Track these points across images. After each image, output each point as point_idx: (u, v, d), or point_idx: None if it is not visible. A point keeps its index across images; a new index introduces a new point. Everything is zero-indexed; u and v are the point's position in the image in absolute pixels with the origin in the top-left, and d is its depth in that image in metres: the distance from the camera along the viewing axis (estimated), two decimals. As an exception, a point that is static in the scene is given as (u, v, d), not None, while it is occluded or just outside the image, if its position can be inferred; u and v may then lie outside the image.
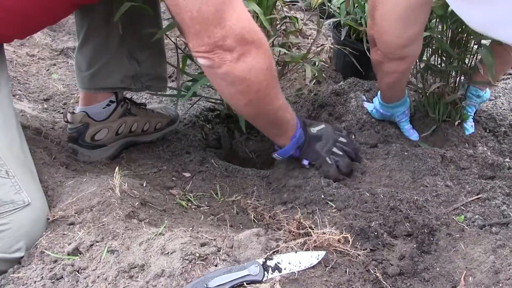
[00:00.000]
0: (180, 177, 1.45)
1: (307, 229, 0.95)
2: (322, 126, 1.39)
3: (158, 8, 1.43)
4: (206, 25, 0.97)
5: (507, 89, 1.90)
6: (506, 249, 0.96)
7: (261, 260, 0.89)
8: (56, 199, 1.10)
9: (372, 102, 1.64)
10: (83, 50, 1.41)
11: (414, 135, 1.55)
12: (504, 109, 1.76)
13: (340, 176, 1.35)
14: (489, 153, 1.41)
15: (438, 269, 0.99)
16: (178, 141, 1.65)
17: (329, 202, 1.27)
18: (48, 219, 1.03)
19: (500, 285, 0.89)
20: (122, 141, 1.54)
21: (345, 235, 0.93)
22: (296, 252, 0.91)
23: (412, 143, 1.53)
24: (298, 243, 0.93)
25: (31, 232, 0.99)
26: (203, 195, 1.38)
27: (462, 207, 1.17)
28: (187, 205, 1.29)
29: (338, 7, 1.90)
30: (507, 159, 1.39)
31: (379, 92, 1.56)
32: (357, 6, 1.80)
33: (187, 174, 1.46)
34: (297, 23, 1.71)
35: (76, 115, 1.41)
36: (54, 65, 2.25)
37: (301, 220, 0.96)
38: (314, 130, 1.36)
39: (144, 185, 1.27)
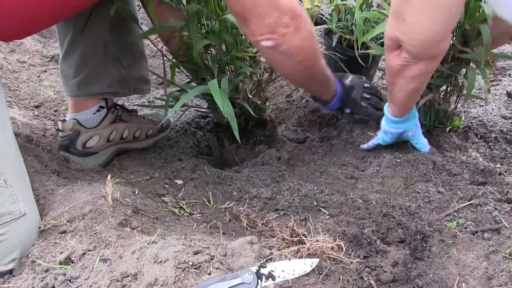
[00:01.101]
0: (172, 184, 1.44)
1: (301, 237, 0.95)
2: (350, 77, 1.60)
3: (136, 14, 1.46)
4: (266, 7, 1.13)
5: (496, 95, 1.92)
6: (498, 255, 0.97)
7: (254, 268, 0.89)
8: (48, 208, 1.09)
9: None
10: (68, 58, 1.42)
11: (428, 148, 1.48)
12: (494, 115, 1.78)
13: (376, 112, 1.57)
14: (480, 159, 1.42)
15: (431, 275, 0.99)
16: (170, 148, 1.64)
17: (322, 209, 1.27)
18: (40, 228, 1.02)
19: (493, 291, 0.90)
20: (114, 148, 1.53)
21: (338, 243, 0.93)
22: (289, 260, 0.91)
23: (404, 150, 1.53)
24: (291, 250, 0.92)
25: (25, 243, 0.98)
26: (195, 202, 1.37)
27: (454, 213, 1.18)
28: (180, 212, 1.28)
29: (330, 14, 1.91)
30: (498, 165, 1.40)
31: (385, 111, 1.46)
32: (348, 13, 1.81)
33: (179, 182, 1.45)
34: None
35: (67, 123, 1.40)
36: (45, 71, 2.24)
37: (295, 228, 0.96)
38: (347, 81, 1.58)
39: (136, 192, 1.26)
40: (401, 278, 0.99)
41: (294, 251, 0.93)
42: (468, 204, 1.20)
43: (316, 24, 2.08)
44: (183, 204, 1.33)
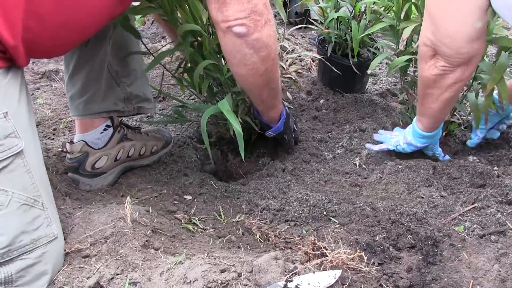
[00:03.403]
0: (181, 200, 1.46)
1: (322, 250, 0.99)
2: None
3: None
4: None
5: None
6: (509, 257, 1.02)
7: (282, 283, 0.92)
8: (67, 231, 1.10)
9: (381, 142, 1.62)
10: (74, 79, 1.42)
11: (446, 157, 1.53)
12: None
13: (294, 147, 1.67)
14: (478, 162, 1.48)
15: (445, 279, 1.04)
16: (174, 163, 1.66)
17: (332, 218, 1.31)
18: (65, 251, 1.03)
19: (507, 293, 0.95)
20: (121, 167, 1.55)
21: (359, 254, 0.97)
22: (314, 273, 0.95)
23: (403, 156, 1.59)
24: (315, 264, 0.96)
25: (57, 265, 1.01)
26: (206, 217, 1.39)
27: (459, 217, 1.23)
28: (194, 228, 1.31)
29: (321, 22, 1.95)
30: (495, 167, 1.46)
31: (414, 125, 1.45)
32: (341, 23, 1.86)
33: (189, 197, 1.47)
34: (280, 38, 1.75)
35: (75, 144, 1.41)
36: (38, 89, 2.22)
37: (316, 242, 0.99)
38: (285, 108, 1.56)
39: (150, 211, 1.28)
40: (417, 283, 1.04)
41: (317, 264, 0.96)
42: (472, 208, 1.25)
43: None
44: (196, 220, 1.35)
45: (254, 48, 1.20)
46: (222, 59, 1.46)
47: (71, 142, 1.42)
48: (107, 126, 1.48)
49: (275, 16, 2.34)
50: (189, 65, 1.47)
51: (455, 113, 1.62)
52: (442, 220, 1.24)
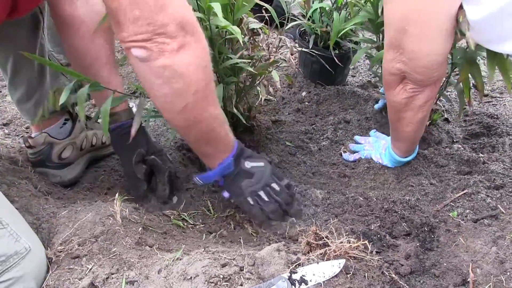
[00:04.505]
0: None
1: (324, 240, 0.97)
2: (261, 164, 1.21)
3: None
4: (146, 10, 0.88)
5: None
6: (506, 239, 1.03)
7: (286, 275, 0.89)
8: (53, 232, 1.04)
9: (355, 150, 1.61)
10: (15, 82, 1.31)
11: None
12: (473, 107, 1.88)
13: (265, 218, 1.20)
14: (463, 150, 1.50)
15: (445, 264, 1.04)
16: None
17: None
18: (52, 255, 0.97)
19: (508, 273, 0.95)
20: (86, 157, 1.51)
21: (363, 242, 0.96)
22: (318, 263, 0.93)
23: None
24: (319, 254, 0.94)
25: (39, 276, 0.94)
26: (195, 212, 1.35)
27: (451, 204, 1.24)
28: (184, 224, 1.26)
29: (303, 15, 1.94)
30: (480, 154, 1.48)
31: (392, 153, 1.44)
32: (323, 14, 1.85)
33: (175, 198, 1.42)
34: (266, 34, 1.72)
35: (38, 137, 1.35)
36: (5, 86, 2.11)
37: (318, 232, 0.97)
38: (248, 165, 1.19)
39: (138, 208, 1.23)
40: (417, 270, 1.04)
41: (321, 254, 0.94)
42: (462, 194, 1.27)
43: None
44: (185, 216, 1.30)
45: (162, 78, 0.94)
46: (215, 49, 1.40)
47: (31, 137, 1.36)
48: (66, 120, 1.44)
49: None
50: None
51: (437, 102, 1.64)
52: (435, 207, 1.24)
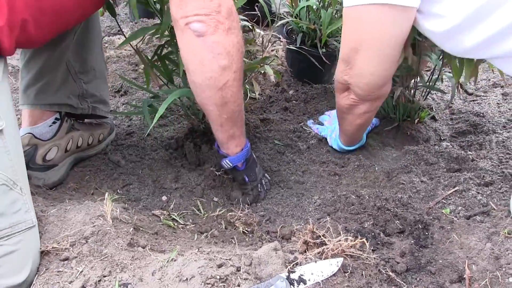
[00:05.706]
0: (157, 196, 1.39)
1: (321, 238, 0.96)
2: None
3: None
4: None
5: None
6: (500, 236, 1.04)
7: (284, 274, 0.88)
8: (42, 230, 1.00)
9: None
10: (30, 64, 1.35)
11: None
12: (458, 105, 1.89)
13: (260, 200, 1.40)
14: (451, 148, 1.51)
15: (440, 261, 1.04)
16: (142, 160, 1.57)
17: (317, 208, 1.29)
18: (40, 249, 0.94)
19: (504, 269, 0.96)
20: (71, 158, 1.48)
21: (361, 240, 0.95)
22: (315, 262, 0.91)
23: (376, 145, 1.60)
24: (316, 253, 0.93)
25: (35, 257, 0.93)
26: (185, 212, 1.33)
27: (443, 201, 1.24)
28: (174, 225, 1.24)
29: (291, 14, 1.93)
30: (469, 152, 1.50)
31: (338, 140, 1.57)
32: (310, 13, 1.84)
33: (164, 198, 1.39)
34: (255, 31, 1.71)
35: (22, 138, 1.31)
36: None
37: (315, 230, 0.96)
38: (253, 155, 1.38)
39: (127, 208, 1.20)
40: (413, 267, 1.04)
41: (318, 252, 0.93)
42: (453, 191, 1.27)
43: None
44: (175, 216, 1.28)
45: (213, 53, 1.07)
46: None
47: None
48: (56, 119, 1.41)
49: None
50: (169, 49, 1.41)
51: (428, 97, 1.64)
52: (427, 204, 1.25)
